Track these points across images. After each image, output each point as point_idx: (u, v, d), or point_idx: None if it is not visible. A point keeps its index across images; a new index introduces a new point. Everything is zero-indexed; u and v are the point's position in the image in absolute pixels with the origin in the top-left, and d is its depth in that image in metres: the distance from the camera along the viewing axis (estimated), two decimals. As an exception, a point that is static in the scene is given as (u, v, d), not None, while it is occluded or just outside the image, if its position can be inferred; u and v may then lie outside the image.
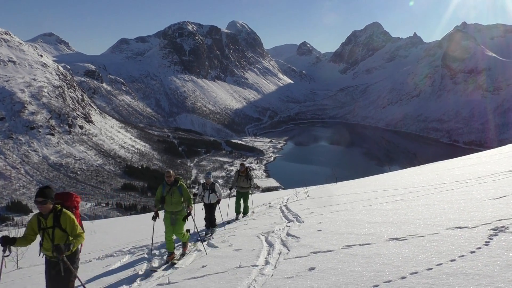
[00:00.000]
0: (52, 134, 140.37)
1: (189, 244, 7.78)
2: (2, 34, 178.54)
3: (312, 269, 4.43)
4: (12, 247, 4.72)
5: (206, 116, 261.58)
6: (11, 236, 4.81)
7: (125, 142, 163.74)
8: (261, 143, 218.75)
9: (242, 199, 11.89)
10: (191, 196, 7.78)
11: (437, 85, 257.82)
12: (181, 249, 8.05)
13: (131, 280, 6.25)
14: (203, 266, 6.04)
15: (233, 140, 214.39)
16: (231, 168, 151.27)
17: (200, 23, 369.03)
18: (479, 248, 3.86)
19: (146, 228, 13.05)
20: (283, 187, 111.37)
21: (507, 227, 4.32)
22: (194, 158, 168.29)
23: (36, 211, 6.14)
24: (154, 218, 7.43)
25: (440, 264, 3.66)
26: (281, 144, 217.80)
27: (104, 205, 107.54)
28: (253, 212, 12.55)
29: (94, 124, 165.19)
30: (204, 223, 10.19)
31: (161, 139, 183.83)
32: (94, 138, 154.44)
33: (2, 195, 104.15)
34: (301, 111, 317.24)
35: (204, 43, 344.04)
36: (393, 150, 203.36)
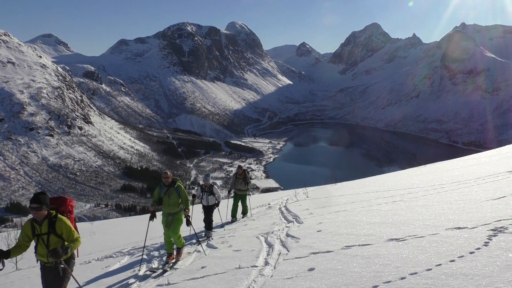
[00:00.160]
0: (51, 135, 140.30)
1: (184, 250, 7.52)
2: (1, 35, 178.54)
3: (311, 269, 4.43)
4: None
5: (205, 117, 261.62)
6: (8, 236, 4.75)
7: (124, 143, 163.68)
8: (261, 144, 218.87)
9: (240, 201, 11.84)
10: (189, 198, 7.70)
11: (436, 86, 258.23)
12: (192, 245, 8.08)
13: (130, 281, 6.24)
14: (202, 267, 6.03)
15: (232, 141, 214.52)
16: (231, 169, 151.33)
17: (199, 24, 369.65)
18: (479, 248, 3.86)
19: (145, 229, 13.01)
20: (282, 187, 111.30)
21: (506, 227, 4.32)
22: (193, 159, 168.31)
23: None
24: (151, 218, 7.34)
25: (440, 264, 3.66)
26: (281, 145, 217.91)
27: (104, 206, 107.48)
28: (250, 215, 12.42)
29: (93, 125, 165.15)
30: (203, 224, 10.16)
31: (160, 140, 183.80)
32: (93, 139, 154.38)
33: (1, 196, 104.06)
34: (301, 112, 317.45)
35: (204, 44, 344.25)
36: (393, 150, 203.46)
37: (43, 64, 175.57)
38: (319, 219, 7.78)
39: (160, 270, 6.58)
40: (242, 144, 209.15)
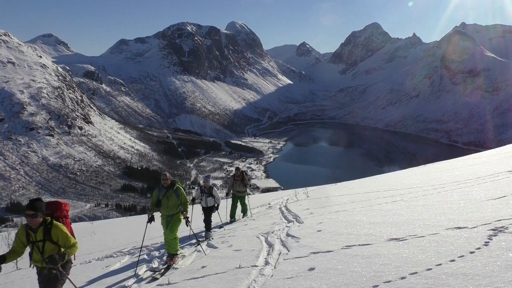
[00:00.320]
0: (52, 135, 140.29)
1: (178, 256, 7.18)
2: (1, 35, 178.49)
3: (312, 269, 4.43)
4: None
5: (205, 117, 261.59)
6: (9, 236, 4.69)
7: (124, 143, 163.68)
8: (261, 143, 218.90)
9: (239, 202, 11.78)
10: (189, 201, 7.60)
11: (436, 86, 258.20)
12: (181, 251, 8.02)
13: (131, 281, 6.24)
14: (203, 267, 6.04)
15: (232, 141, 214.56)
16: (231, 168, 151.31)
17: (199, 23, 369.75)
18: (479, 248, 3.86)
19: (147, 227, 13.00)
20: (282, 187, 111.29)
21: (507, 227, 4.32)
22: (193, 159, 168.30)
23: None
24: (150, 221, 7.16)
25: (440, 264, 3.67)
26: (281, 145, 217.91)
27: (104, 206, 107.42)
28: (250, 215, 12.30)
29: (93, 125, 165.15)
30: (203, 224, 10.14)
31: (160, 140, 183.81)
32: (93, 139, 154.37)
33: (2, 196, 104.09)
34: (301, 112, 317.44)
35: (204, 43, 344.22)
36: (393, 150, 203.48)
37: (43, 64, 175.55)
38: (319, 219, 7.78)
39: (162, 270, 6.55)
40: (242, 144, 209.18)
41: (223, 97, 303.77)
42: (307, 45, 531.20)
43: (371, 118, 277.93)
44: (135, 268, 6.82)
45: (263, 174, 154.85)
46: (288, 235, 6.86)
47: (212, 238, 8.90)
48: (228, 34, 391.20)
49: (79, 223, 34.23)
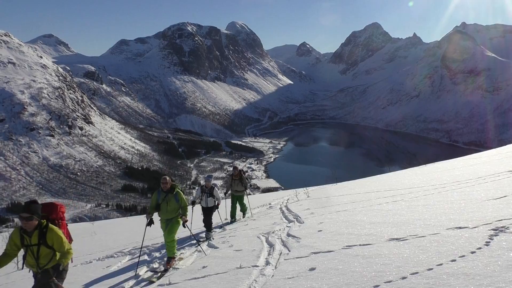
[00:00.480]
0: (52, 136, 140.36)
1: (175, 259, 7.04)
2: (1, 36, 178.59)
3: (312, 269, 4.43)
4: None
5: (206, 117, 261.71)
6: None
7: (125, 143, 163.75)
8: (261, 143, 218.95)
9: (237, 202, 11.65)
10: (188, 204, 7.52)
11: (437, 86, 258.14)
12: (182, 251, 8.02)
13: (131, 281, 6.25)
14: (203, 267, 6.04)
15: (233, 141, 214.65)
16: (231, 168, 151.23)
17: (200, 24, 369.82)
18: (480, 248, 3.86)
19: (146, 229, 13.00)
20: (283, 187, 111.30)
21: (508, 227, 4.32)
22: (194, 159, 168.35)
23: None
24: (149, 224, 7.04)
25: (441, 264, 3.66)
26: (281, 145, 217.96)
27: (104, 206, 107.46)
28: (251, 215, 12.18)
29: (94, 125, 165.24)
30: (203, 225, 10.03)
31: (161, 140, 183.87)
32: (94, 139, 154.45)
33: (2, 196, 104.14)
34: (301, 112, 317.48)
35: (204, 44, 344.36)
36: (393, 150, 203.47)
37: (44, 65, 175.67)
38: (320, 219, 7.78)
39: (159, 274, 6.48)
40: (243, 144, 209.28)
41: (224, 97, 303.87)
42: (308, 45, 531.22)
43: (371, 118, 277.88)
44: (135, 269, 6.82)
45: (264, 174, 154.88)
46: (288, 235, 6.86)
47: (213, 238, 8.89)
48: (229, 34, 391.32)
49: (79, 223, 34.25)
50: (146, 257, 7.92)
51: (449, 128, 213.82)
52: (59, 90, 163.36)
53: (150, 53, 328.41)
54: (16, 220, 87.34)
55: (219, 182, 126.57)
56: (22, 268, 4.77)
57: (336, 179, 20.33)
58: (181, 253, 7.71)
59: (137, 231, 13.20)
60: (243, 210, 11.90)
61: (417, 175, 14.19)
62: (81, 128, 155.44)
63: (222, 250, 7.14)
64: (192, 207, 9.66)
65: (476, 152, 24.26)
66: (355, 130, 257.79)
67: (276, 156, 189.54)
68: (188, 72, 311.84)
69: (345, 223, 6.65)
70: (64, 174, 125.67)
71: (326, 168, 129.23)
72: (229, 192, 11.84)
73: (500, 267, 3.29)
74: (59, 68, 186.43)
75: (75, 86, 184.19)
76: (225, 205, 13.64)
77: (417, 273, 3.58)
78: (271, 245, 6.46)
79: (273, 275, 4.70)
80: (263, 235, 7.49)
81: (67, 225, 5.23)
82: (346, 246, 5.07)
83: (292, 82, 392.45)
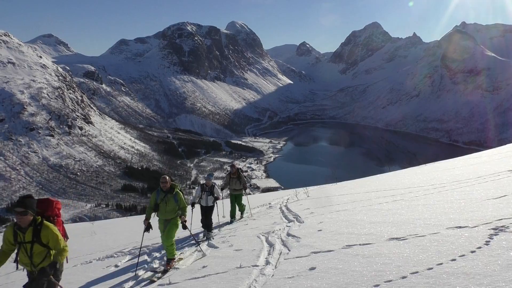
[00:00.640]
0: (52, 135, 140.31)
1: (175, 260, 6.98)
2: (1, 36, 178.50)
3: (312, 269, 4.43)
4: None
5: (205, 117, 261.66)
6: None
7: (124, 143, 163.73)
8: (261, 143, 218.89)
9: (236, 201, 11.56)
10: (187, 205, 7.41)
11: (437, 85, 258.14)
12: (182, 251, 8.01)
13: (131, 281, 6.25)
14: (203, 267, 6.04)
15: (232, 141, 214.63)
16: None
17: (200, 23, 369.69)
18: (480, 247, 3.86)
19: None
20: (283, 187, 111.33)
21: (508, 226, 4.32)
22: (194, 158, 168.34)
23: None
24: (146, 230, 6.99)
25: (441, 263, 3.66)
26: (281, 145, 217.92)
27: (104, 206, 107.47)
28: (251, 215, 12.06)
29: (93, 125, 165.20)
30: (201, 225, 9.93)
31: (160, 140, 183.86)
32: (93, 139, 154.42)
33: (2, 196, 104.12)
34: (301, 112, 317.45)
35: (204, 43, 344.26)
36: (393, 150, 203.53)
37: (43, 64, 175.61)
38: (319, 219, 7.77)
39: (159, 274, 6.46)
40: (243, 143, 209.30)
41: (223, 97, 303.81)
42: (307, 45, 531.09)
43: (371, 117, 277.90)
44: (135, 269, 6.82)
45: (264, 173, 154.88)
46: (288, 234, 6.85)
47: (213, 238, 8.89)
48: (228, 34, 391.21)
49: (79, 223, 34.25)
50: (146, 257, 7.92)
51: (449, 128, 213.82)
52: (58, 90, 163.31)
53: (149, 53, 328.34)
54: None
55: (219, 182, 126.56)
56: (23, 269, 4.63)
57: (336, 178, 20.34)
58: (181, 253, 7.71)
59: (137, 231, 13.20)
60: (241, 210, 11.77)
61: (417, 174, 14.19)
62: (80, 128, 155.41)
63: (222, 250, 7.14)
64: (192, 209, 9.60)
65: (476, 151, 24.28)
66: (355, 130, 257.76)
67: (276, 155, 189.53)
68: (188, 72, 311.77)
69: (345, 223, 6.65)
70: (64, 174, 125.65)
71: (326, 167, 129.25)
72: (227, 188, 11.77)
73: (500, 266, 3.29)
74: (59, 68, 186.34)
75: (74, 86, 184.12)
76: (222, 205, 13.63)
77: (417, 272, 3.58)
78: (271, 245, 6.46)
79: (273, 275, 4.70)
80: (263, 235, 7.49)
81: (63, 222, 5.11)
82: (346, 245, 5.07)
83: (292, 82, 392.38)
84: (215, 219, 10.99)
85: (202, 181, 10.35)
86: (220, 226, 10.81)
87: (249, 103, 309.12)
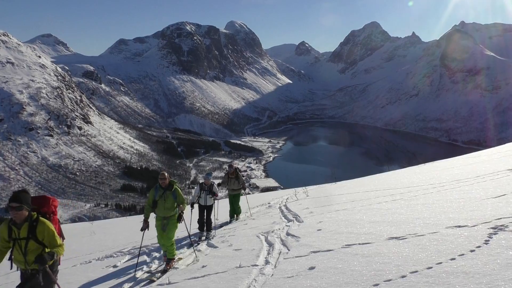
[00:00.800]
0: (51, 135, 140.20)
1: (175, 260, 6.97)
2: (0, 36, 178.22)
3: (312, 268, 4.43)
4: None
5: (205, 117, 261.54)
6: None
7: (124, 143, 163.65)
8: (260, 143, 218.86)
9: (233, 201, 11.49)
10: (186, 202, 7.42)
11: (436, 85, 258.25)
12: (181, 251, 8.00)
13: (131, 280, 6.25)
14: (203, 266, 6.04)
15: (232, 140, 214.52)
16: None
17: (199, 23, 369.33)
18: (479, 246, 3.86)
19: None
20: (282, 187, 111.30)
21: (507, 225, 4.32)
22: (193, 158, 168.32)
23: None
24: (144, 228, 6.87)
25: (440, 263, 3.66)
26: (280, 144, 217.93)
27: (103, 206, 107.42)
28: (250, 215, 12.01)
29: (92, 125, 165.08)
30: (197, 225, 9.77)
31: (160, 140, 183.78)
32: (93, 139, 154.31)
33: (1, 196, 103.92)
34: (300, 111, 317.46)
35: (203, 43, 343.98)
36: (392, 149, 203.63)
37: (42, 64, 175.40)
38: (319, 218, 7.77)
39: (159, 274, 6.41)
40: (242, 143, 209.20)
41: (223, 96, 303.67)
42: (306, 44, 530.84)
43: (370, 117, 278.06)
44: (134, 269, 6.82)
45: (263, 173, 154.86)
46: (288, 234, 6.85)
47: (212, 238, 8.89)
48: (227, 33, 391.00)
49: (78, 223, 34.24)
50: (145, 256, 7.92)
51: (448, 127, 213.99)
52: (57, 90, 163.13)
53: (149, 52, 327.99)
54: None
55: (218, 182, 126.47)
56: (12, 268, 4.48)
57: (335, 178, 20.36)
58: (181, 253, 7.71)
59: (136, 231, 13.20)
60: (237, 212, 11.62)
61: (416, 174, 14.20)
62: (80, 128, 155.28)
63: (222, 250, 7.13)
64: (191, 209, 9.57)
65: (475, 151, 24.30)
66: (354, 129, 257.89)
67: (275, 155, 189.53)
68: (187, 72, 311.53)
69: (344, 222, 6.65)
70: (63, 174, 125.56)
71: (325, 167, 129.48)
72: (226, 189, 11.73)
73: (499, 265, 3.29)
74: (58, 68, 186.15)
75: (73, 85, 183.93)
76: (217, 206, 13.59)
77: (416, 271, 3.58)
78: (270, 245, 6.46)
79: (272, 274, 4.70)
80: (262, 235, 7.48)
81: (59, 221, 4.97)
82: (346, 245, 5.07)
83: (291, 82, 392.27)
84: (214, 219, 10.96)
85: (201, 181, 10.30)
86: (219, 226, 10.81)
87: (248, 103, 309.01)
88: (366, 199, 9.26)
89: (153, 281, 6.02)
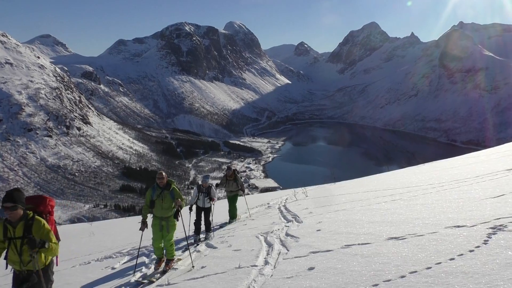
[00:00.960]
0: (50, 136, 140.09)
1: (174, 260, 6.89)
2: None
3: (311, 269, 4.43)
4: None
5: (204, 117, 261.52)
6: None
7: (123, 144, 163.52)
8: (259, 143, 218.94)
9: (231, 202, 11.44)
10: (185, 200, 7.33)
11: (435, 85, 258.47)
12: (181, 251, 7.99)
13: (130, 281, 6.24)
14: (202, 267, 6.03)
15: (231, 141, 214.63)
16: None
17: (198, 24, 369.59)
18: (478, 246, 3.86)
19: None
20: (281, 187, 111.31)
21: (506, 225, 4.32)
22: (192, 159, 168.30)
23: None
24: (142, 228, 6.77)
25: (439, 263, 3.66)
26: (279, 145, 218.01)
27: (103, 206, 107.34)
28: (249, 215, 11.97)
29: (91, 126, 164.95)
30: (193, 228, 9.67)
31: (159, 140, 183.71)
32: (92, 140, 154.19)
33: (0, 197, 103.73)
34: (299, 111, 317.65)
35: (202, 43, 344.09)
36: (391, 149, 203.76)
37: (41, 65, 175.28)
38: (318, 218, 7.77)
39: (158, 275, 6.39)
40: (241, 144, 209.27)
41: (222, 97, 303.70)
42: (305, 45, 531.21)
43: (369, 117, 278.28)
44: (134, 269, 6.81)
45: (262, 174, 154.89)
46: (287, 234, 6.85)
47: (211, 238, 8.89)
48: (226, 34, 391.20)
49: (78, 224, 34.19)
50: (144, 257, 7.91)
51: (447, 127, 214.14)
52: (56, 90, 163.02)
53: (148, 53, 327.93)
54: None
55: (216, 182, 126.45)
56: (6, 268, 4.43)
57: (334, 178, 20.36)
58: (180, 254, 7.70)
59: (136, 232, 13.18)
60: (233, 216, 11.45)
61: (416, 174, 14.21)
62: (79, 129, 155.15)
63: (221, 250, 7.12)
64: (190, 212, 9.56)
65: (474, 151, 24.32)
66: (354, 130, 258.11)
67: (274, 155, 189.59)
68: (186, 72, 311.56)
69: (343, 223, 6.65)
70: (62, 174, 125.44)
71: (325, 167, 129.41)
72: (224, 190, 11.73)
73: (498, 265, 3.30)
74: (57, 69, 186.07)
75: (72, 86, 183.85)
76: (224, 205, 13.60)
77: (416, 272, 3.58)
78: (269, 245, 6.45)
79: (272, 275, 4.70)
80: (261, 235, 7.48)
81: (55, 222, 4.89)
82: (345, 245, 5.06)
83: (290, 82, 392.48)
84: (216, 219, 10.96)
85: (199, 183, 10.28)
86: (219, 226, 10.81)
87: (247, 103, 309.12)
88: (366, 199, 9.26)
89: (152, 282, 5.99)
